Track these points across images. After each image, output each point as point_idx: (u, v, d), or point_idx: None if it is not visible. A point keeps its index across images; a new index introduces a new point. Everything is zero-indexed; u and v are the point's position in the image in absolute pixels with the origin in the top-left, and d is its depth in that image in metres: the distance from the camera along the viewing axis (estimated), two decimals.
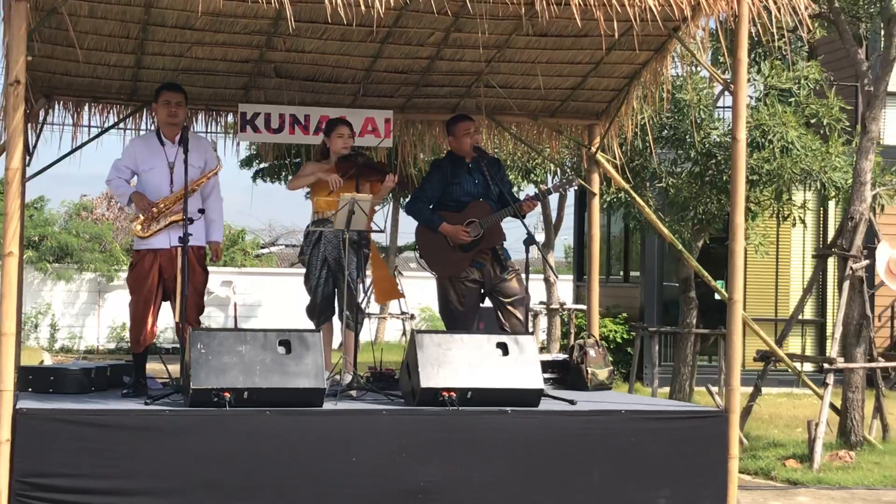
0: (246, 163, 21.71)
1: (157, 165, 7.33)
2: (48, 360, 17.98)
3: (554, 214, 18.86)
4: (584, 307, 16.39)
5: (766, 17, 6.91)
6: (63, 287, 24.66)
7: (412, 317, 17.84)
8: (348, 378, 7.34)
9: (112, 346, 24.13)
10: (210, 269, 7.58)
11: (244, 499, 6.13)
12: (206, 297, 7.59)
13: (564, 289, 21.38)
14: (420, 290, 21.89)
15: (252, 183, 21.56)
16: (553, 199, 18.41)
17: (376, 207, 8.06)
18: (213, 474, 6.10)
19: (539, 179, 16.32)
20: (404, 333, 18.40)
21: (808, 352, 17.47)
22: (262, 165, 21.69)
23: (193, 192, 7.31)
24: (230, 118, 8.89)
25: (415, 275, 23.37)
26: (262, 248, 33.36)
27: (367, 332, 9.91)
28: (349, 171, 7.57)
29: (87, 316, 24.70)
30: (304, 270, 7.86)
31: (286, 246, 36.30)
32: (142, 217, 7.29)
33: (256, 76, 8.35)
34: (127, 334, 23.25)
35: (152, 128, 8.28)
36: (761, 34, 7.04)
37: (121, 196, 7.49)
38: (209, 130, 8.80)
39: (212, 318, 23.51)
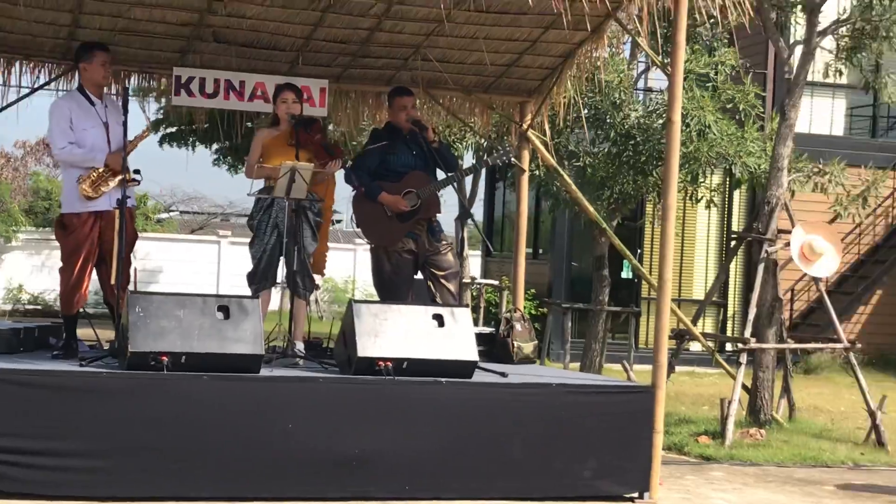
0: (152, 126, 21.40)
1: (92, 125, 7.23)
2: None
3: (469, 191, 18.90)
4: (494, 282, 16.57)
5: (710, 2, 7.05)
6: None
7: (316, 287, 17.81)
8: (300, 346, 7.36)
9: (8, 307, 23.61)
10: None
11: (180, 461, 6.10)
12: None
13: (474, 264, 21.55)
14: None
15: (158, 147, 21.27)
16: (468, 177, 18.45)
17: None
18: (150, 437, 6.07)
19: (461, 155, 16.35)
20: (316, 302, 18.40)
21: (708, 331, 17.86)
22: (168, 130, 21.40)
23: (129, 152, 7.27)
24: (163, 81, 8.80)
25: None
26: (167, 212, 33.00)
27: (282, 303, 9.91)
28: (299, 139, 7.48)
29: None
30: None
31: (180, 213, 35.92)
32: (93, 176, 7.18)
33: (194, 40, 8.26)
34: (23, 296, 23.01)
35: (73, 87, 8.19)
36: (706, 17, 7.15)
37: (86, 161, 7.24)
38: (140, 91, 8.67)
39: None
